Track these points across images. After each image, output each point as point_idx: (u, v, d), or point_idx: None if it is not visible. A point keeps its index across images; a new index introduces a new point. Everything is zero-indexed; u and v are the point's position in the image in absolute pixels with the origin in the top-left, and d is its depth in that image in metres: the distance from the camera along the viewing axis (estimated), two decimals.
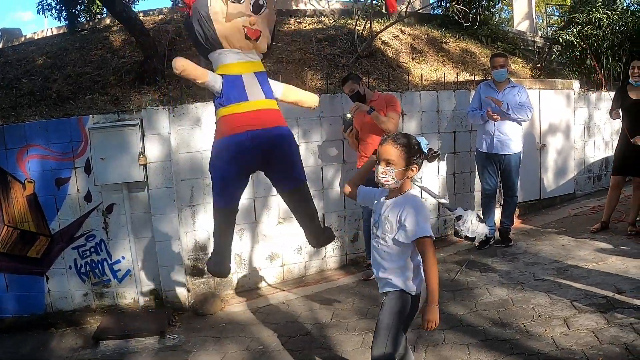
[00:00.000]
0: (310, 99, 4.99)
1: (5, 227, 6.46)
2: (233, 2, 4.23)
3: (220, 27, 4.28)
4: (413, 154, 3.56)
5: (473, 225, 4.00)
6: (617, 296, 5.51)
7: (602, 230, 7.78)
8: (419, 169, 3.67)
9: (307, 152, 7.10)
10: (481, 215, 3.83)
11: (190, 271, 6.75)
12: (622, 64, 11.11)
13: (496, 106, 7.13)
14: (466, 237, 4.04)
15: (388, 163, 3.56)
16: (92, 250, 6.56)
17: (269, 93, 4.51)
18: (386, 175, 3.57)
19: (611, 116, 7.74)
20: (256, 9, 4.34)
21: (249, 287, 7.06)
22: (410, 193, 3.67)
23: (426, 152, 3.60)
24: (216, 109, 4.47)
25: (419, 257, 3.63)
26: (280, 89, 4.72)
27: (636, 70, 7.16)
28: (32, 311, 6.57)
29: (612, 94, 7.92)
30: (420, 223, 3.50)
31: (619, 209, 8.25)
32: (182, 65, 4.21)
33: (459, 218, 4.07)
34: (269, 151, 4.46)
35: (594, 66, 10.97)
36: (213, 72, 4.46)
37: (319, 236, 4.95)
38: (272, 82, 4.65)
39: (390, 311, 3.66)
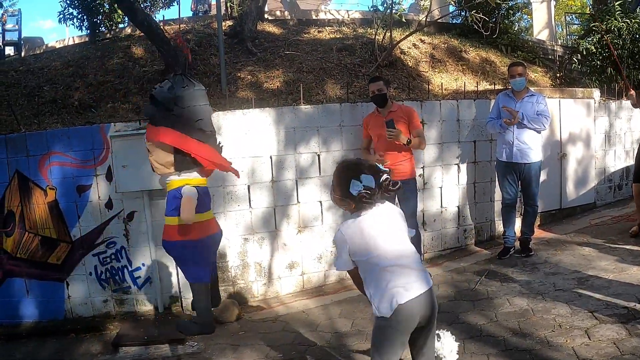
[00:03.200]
0: None
1: (27, 233, 6.53)
2: None
3: None
4: (345, 189, 3.50)
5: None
6: (639, 307, 5.46)
7: None
8: (353, 206, 3.55)
9: (327, 161, 7.11)
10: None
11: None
12: None
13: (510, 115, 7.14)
14: None
15: (332, 187, 3.67)
16: (113, 257, 6.61)
17: None
18: (330, 195, 3.73)
19: (630, 98, 7.74)
20: None
21: (268, 296, 7.07)
22: (342, 223, 3.64)
23: (355, 194, 3.45)
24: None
25: (374, 281, 3.53)
26: None
27: None
28: (52, 317, 6.62)
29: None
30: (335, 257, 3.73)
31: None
32: None
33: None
34: None
35: (615, 74, 10.91)
36: None
37: None
38: None
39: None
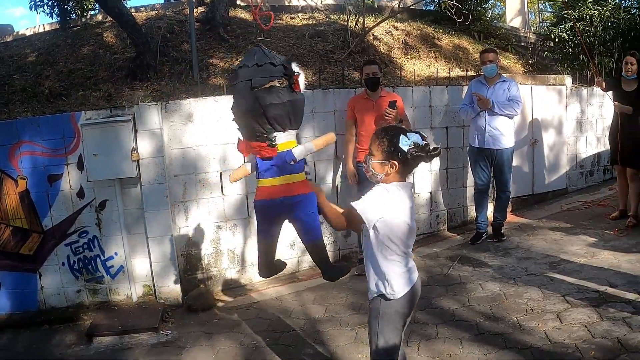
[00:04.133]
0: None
1: None
2: None
3: None
4: (391, 148, 3.33)
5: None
6: (610, 290, 5.55)
7: (621, 217, 7.86)
8: (400, 168, 3.36)
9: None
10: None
11: (183, 267, 6.74)
12: (615, 60, 11.15)
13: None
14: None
15: (370, 153, 3.46)
16: (85, 246, 6.54)
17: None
18: (366, 164, 3.50)
19: (598, 84, 7.85)
20: None
21: (242, 283, 7.06)
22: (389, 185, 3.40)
23: (405, 149, 3.28)
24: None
25: (396, 260, 3.42)
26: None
27: (629, 65, 7.29)
28: (25, 308, 6.54)
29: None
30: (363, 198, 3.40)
31: (611, 205, 8.33)
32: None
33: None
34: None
35: (587, 61, 10.99)
36: None
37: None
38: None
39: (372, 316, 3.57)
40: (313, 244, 4.76)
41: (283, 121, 4.53)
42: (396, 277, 3.40)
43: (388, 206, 3.32)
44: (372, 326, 3.50)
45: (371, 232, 3.38)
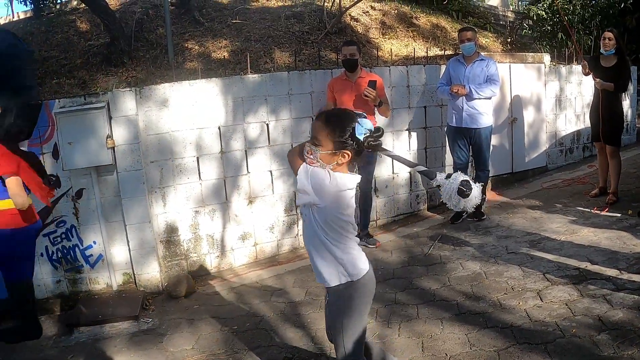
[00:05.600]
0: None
1: None
2: None
3: None
4: (344, 138, 3.06)
5: (455, 199, 3.21)
6: (590, 267, 5.58)
7: (601, 195, 7.93)
8: (352, 157, 3.14)
9: (277, 130, 7.08)
10: (467, 178, 3.13)
11: (163, 253, 6.70)
12: (593, 38, 11.17)
13: (459, 83, 7.26)
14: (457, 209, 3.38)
15: (315, 142, 3.12)
16: (63, 236, 6.48)
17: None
18: (310, 155, 3.13)
19: (583, 67, 7.82)
20: None
21: (222, 268, 7.03)
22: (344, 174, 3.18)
23: (361, 139, 3.05)
24: None
25: (351, 242, 3.30)
26: None
27: (607, 41, 7.34)
28: (4, 299, 6.49)
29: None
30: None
31: (591, 182, 8.37)
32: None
33: (439, 187, 3.33)
34: None
35: (565, 39, 11.01)
36: None
37: None
38: None
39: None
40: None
41: None
42: (355, 254, 3.33)
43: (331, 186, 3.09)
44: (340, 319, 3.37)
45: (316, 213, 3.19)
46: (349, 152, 3.09)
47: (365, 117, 3.13)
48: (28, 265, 4.79)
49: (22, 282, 4.75)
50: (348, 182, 3.13)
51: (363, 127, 3.05)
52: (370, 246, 6.97)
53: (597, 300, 4.87)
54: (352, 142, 3.06)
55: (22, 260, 4.71)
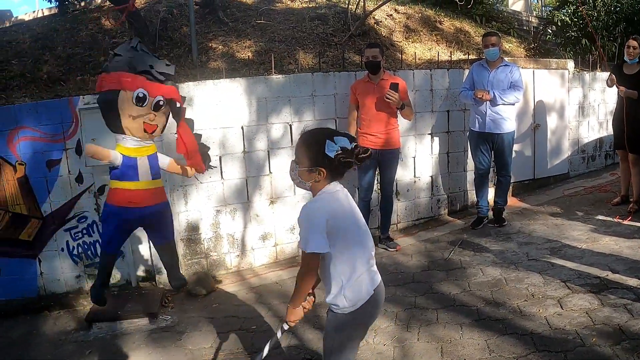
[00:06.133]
0: (190, 172, 5.43)
1: None
2: (137, 105, 4.75)
3: (125, 120, 4.81)
4: (317, 155, 3.12)
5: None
6: (611, 276, 5.53)
7: (623, 203, 7.86)
8: (329, 174, 3.17)
9: (300, 131, 7.05)
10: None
11: (183, 251, 6.72)
12: (617, 45, 11.09)
13: (483, 88, 7.21)
14: None
15: (296, 160, 3.24)
16: (84, 232, 6.52)
17: (156, 175, 5.12)
18: (292, 172, 3.30)
19: (607, 82, 7.74)
20: (156, 107, 4.89)
21: (241, 267, 7.05)
22: (315, 198, 3.26)
23: (332, 155, 3.07)
24: (112, 177, 5.00)
25: (349, 267, 3.21)
26: (166, 161, 5.31)
27: (631, 49, 7.28)
28: (25, 294, 6.52)
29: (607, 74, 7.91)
30: (302, 235, 3.19)
31: (612, 190, 8.30)
32: (92, 150, 4.79)
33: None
34: (148, 222, 5.19)
35: (589, 46, 10.93)
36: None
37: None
38: (160, 156, 5.25)
39: (326, 330, 3.45)
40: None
41: None
42: (351, 284, 3.23)
43: (332, 217, 3.13)
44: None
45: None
46: (323, 169, 3.14)
47: (345, 136, 3.17)
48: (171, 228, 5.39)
49: (170, 241, 5.39)
50: (326, 196, 3.23)
51: (336, 145, 3.08)
52: (391, 249, 6.95)
53: (617, 310, 4.82)
54: (323, 159, 3.10)
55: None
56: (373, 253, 3.35)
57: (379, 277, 3.37)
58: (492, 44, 7.20)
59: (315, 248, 3.08)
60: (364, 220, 3.40)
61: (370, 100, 6.74)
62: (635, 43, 7.23)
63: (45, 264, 6.53)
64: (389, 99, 6.49)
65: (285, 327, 3.51)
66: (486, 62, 7.37)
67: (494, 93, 7.09)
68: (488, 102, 7.14)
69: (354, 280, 3.20)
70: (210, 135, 6.58)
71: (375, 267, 3.36)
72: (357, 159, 3.13)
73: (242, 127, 6.81)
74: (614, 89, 7.68)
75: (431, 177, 8.09)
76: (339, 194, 3.24)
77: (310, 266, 3.21)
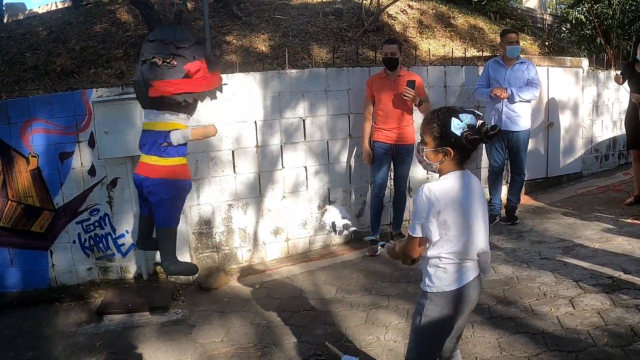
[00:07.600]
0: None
1: (9, 202, 6.44)
2: None
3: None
4: (442, 134, 3.00)
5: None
6: (623, 277, 5.48)
7: (636, 203, 7.80)
8: (456, 154, 3.03)
9: (313, 126, 7.07)
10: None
11: (195, 245, 6.73)
12: (632, 43, 11.01)
13: (500, 85, 7.17)
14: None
15: (422, 141, 3.13)
16: (96, 224, 6.54)
17: None
18: (419, 154, 3.17)
19: (616, 79, 7.77)
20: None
21: (253, 262, 7.05)
22: (439, 179, 3.11)
23: (458, 134, 2.93)
24: (180, 154, 5.13)
25: (456, 248, 3.05)
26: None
27: None
28: (36, 286, 6.57)
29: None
30: (412, 219, 3.08)
31: (626, 190, 8.25)
32: (200, 132, 5.21)
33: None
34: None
35: (604, 45, 10.87)
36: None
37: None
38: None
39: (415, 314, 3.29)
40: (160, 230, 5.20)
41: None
42: (453, 268, 3.11)
43: (442, 205, 2.98)
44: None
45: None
46: (450, 149, 3.00)
47: (470, 113, 3.01)
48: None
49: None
50: (443, 181, 3.09)
51: (462, 122, 2.96)
52: None
53: (629, 310, 4.78)
54: (450, 138, 2.98)
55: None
56: (479, 252, 3.12)
57: (474, 272, 3.18)
58: (515, 41, 7.17)
59: (417, 232, 3.04)
60: (485, 217, 3.20)
61: (386, 96, 6.71)
62: None
63: (57, 256, 6.57)
64: (406, 96, 6.46)
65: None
66: (502, 59, 7.32)
67: (511, 90, 7.05)
68: (504, 100, 7.10)
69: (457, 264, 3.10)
70: (224, 129, 6.57)
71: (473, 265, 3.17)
72: (486, 136, 3.00)
73: (255, 122, 6.80)
74: (627, 88, 7.64)
75: None
76: (464, 179, 3.11)
77: (410, 250, 3.17)
